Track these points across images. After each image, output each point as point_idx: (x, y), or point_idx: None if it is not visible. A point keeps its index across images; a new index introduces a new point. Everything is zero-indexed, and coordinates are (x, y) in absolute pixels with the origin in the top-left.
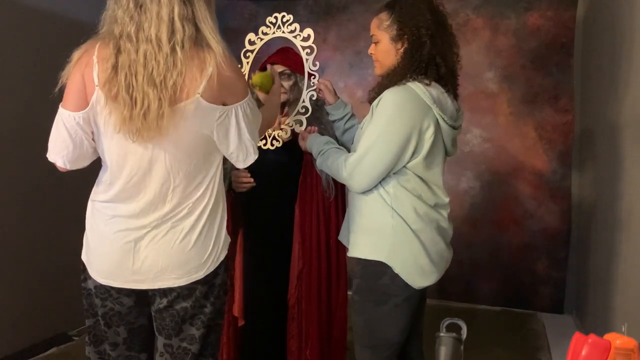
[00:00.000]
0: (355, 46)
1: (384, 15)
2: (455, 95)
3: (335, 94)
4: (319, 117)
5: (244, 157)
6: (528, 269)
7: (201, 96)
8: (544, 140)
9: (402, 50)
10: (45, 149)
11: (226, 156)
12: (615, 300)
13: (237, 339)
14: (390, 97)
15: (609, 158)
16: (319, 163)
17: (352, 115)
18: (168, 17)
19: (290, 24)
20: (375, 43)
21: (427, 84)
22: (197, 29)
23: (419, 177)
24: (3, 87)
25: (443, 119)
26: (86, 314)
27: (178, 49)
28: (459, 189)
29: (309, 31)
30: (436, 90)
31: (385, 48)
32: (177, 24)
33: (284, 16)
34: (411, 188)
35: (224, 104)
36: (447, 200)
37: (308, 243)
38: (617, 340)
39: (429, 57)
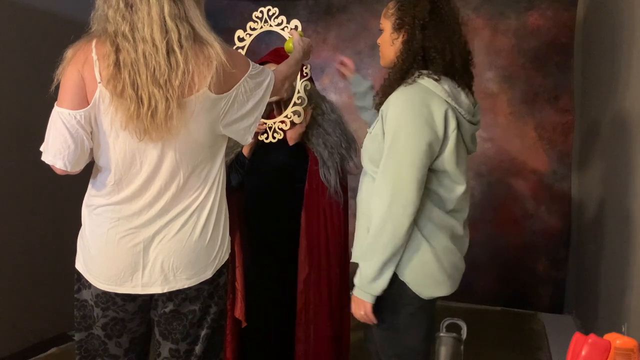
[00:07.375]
0: (355, 46)
1: (391, 3)
2: (470, 89)
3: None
4: (315, 117)
5: (249, 129)
6: (528, 269)
7: (209, 89)
8: (544, 140)
9: (399, 41)
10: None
11: (234, 135)
12: (615, 300)
13: (239, 341)
14: (400, 107)
15: (609, 158)
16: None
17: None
18: (158, 16)
19: (277, 17)
20: (381, 31)
21: (436, 79)
22: (192, 27)
23: (440, 176)
24: (1, 88)
25: (460, 113)
26: (77, 327)
27: (177, 49)
28: None
29: (296, 22)
30: (448, 84)
31: (386, 37)
32: (169, 24)
33: (269, 10)
34: (425, 189)
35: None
36: (465, 205)
37: (316, 250)
38: (617, 340)
39: (424, 51)
